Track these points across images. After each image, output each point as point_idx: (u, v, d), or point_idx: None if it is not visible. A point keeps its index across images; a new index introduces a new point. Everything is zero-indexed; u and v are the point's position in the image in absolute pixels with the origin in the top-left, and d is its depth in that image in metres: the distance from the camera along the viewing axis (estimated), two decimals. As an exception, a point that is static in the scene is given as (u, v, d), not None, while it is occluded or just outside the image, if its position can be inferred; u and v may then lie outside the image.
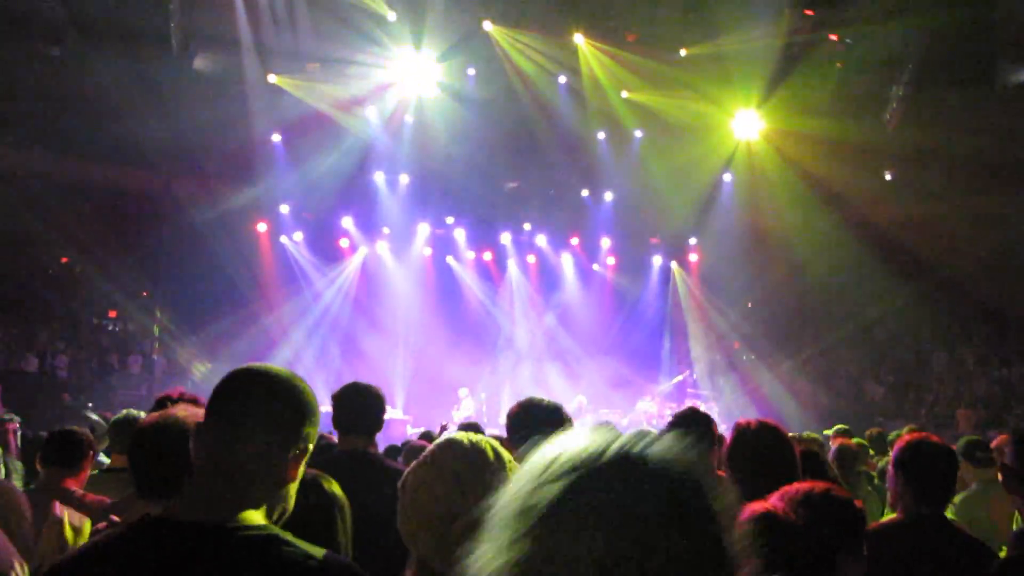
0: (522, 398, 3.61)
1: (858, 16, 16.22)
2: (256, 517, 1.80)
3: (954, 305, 20.86)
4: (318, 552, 1.80)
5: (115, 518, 2.57)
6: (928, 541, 3.18)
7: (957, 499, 5.06)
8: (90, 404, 16.14)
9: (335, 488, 2.82)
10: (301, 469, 1.93)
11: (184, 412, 2.58)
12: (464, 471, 1.95)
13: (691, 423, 4.16)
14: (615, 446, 1.00)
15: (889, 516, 3.55)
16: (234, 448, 1.81)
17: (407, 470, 2.04)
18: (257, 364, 1.99)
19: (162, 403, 3.29)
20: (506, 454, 2.07)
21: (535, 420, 3.34)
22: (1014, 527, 4.55)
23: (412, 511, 1.95)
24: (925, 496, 3.24)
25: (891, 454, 3.45)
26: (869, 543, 2.55)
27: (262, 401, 1.86)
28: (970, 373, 20.34)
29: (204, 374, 19.84)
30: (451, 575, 1.84)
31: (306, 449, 1.92)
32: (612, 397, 20.69)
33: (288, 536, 1.80)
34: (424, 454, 2.03)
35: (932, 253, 19.37)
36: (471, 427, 6.54)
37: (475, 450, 2.01)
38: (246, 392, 1.89)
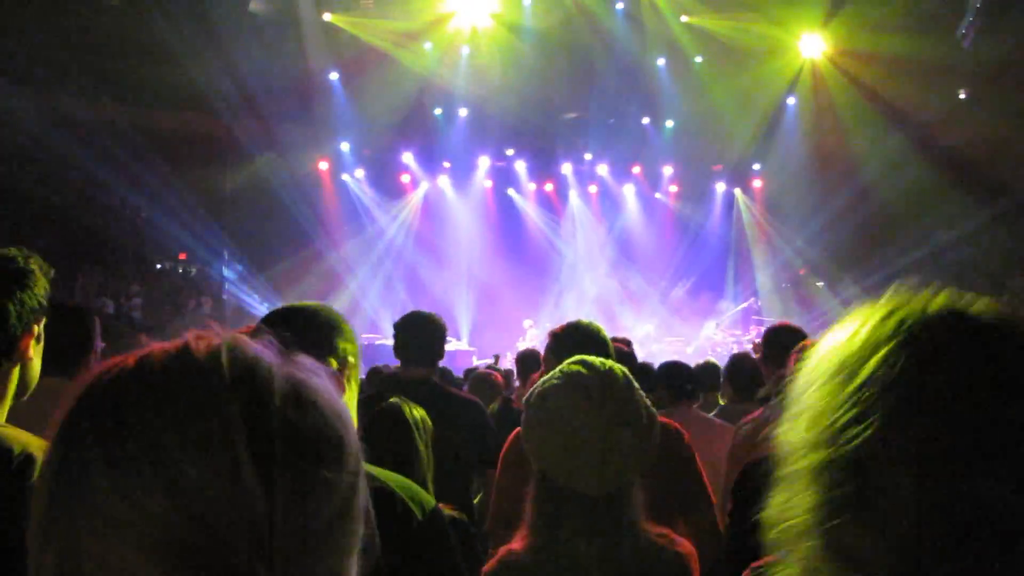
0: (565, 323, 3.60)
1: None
2: None
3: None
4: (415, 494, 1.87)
5: None
6: None
7: None
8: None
9: (417, 412, 2.91)
10: (353, 389, 2.02)
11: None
12: (594, 382, 2.00)
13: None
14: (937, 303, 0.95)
15: None
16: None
17: (534, 386, 2.09)
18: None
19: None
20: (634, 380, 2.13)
21: (580, 342, 3.36)
22: None
23: (539, 432, 1.99)
24: None
25: None
26: None
27: (279, 327, 1.94)
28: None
29: (274, 313, 20.21)
30: (581, 489, 1.94)
31: (345, 362, 1.99)
32: (677, 325, 20.68)
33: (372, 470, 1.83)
34: (556, 376, 2.07)
35: (1008, 174, 18.74)
36: (528, 356, 6.60)
37: (603, 365, 2.06)
38: (267, 324, 1.94)
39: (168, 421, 0.77)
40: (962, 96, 18.73)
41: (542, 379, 2.10)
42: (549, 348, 3.47)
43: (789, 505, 0.94)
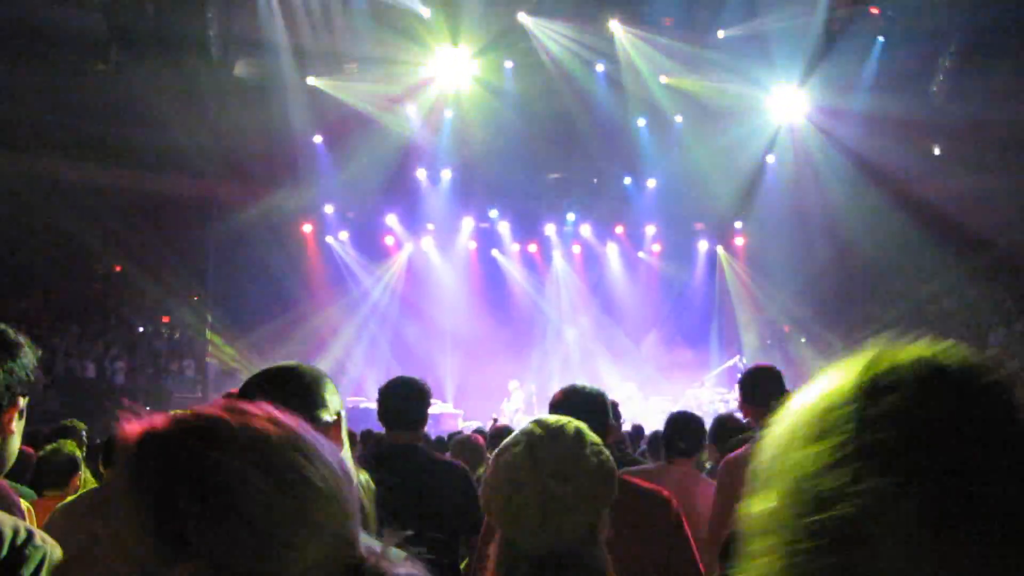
0: (565, 386, 3.63)
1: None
2: None
3: (1010, 280, 20.43)
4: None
5: None
6: None
7: None
8: (147, 408, 16.44)
9: (362, 475, 2.90)
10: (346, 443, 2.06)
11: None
12: (541, 436, 1.97)
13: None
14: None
15: None
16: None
17: (497, 450, 2.05)
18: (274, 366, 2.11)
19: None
20: (594, 436, 2.08)
21: (578, 407, 3.36)
22: None
23: (490, 483, 1.96)
24: None
25: None
26: None
27: (267, 390, 1.93)
28: (1030, 349, 19.88)
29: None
30: (522, 544, 1.89)
31: (338, 415, 2.02)
32: (662, 384, 20.60)
33: None
34: (515, 435, 2.03)
35: (985, 228, 18.97)
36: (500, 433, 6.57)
37: (559, 423, 2.02)
38: (252, 389, 1.98)
39: None
40: (937, 152, 19.04)
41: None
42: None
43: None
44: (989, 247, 19.37)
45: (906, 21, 16.63)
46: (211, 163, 19.37)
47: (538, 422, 2.03)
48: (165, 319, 22.28)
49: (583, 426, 2.07)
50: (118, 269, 21.84)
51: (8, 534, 1.77)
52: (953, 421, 0.84)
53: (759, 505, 0.90)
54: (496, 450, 2.04)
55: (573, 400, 3.40)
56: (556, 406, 3.40)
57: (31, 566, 1.77)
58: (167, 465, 0.94)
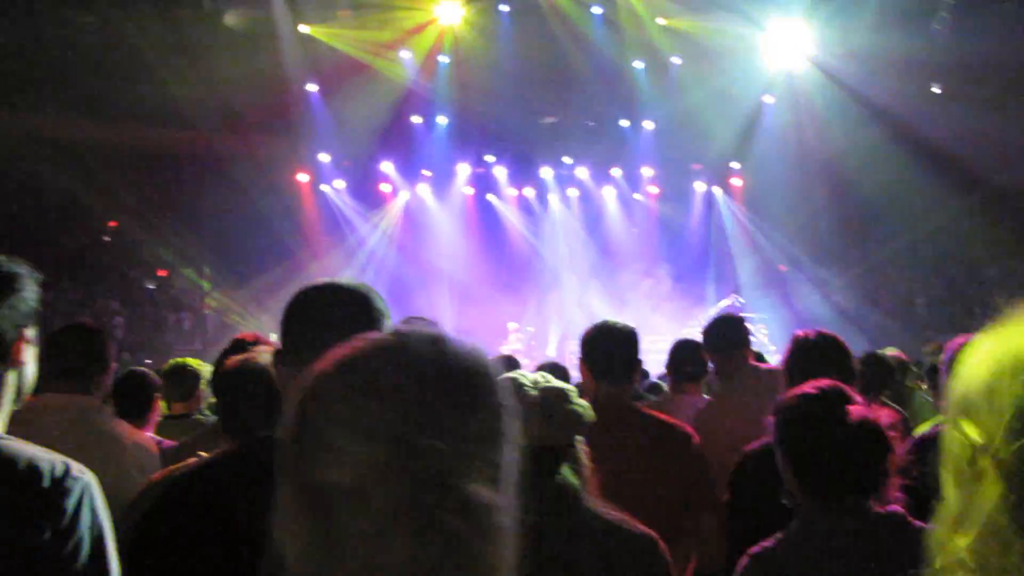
0: (596, 323, 3.66)
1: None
2: None
3: (1005, 218, 20.52)
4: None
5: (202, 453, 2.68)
6: None
7: None
8: (148, 361, 16.52)
9: None
10: None
11: (267, 354, 2.64)
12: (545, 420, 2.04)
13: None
14: None
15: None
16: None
17: None
18: (320, 280, 1.96)
19: (239, 345, 3.37)
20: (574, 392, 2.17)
21: (611, 343, 3.41)
22: None
23: None
24: None
25: (942, 357, 3.43)
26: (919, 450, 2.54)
27: (339, 309, 1.84)
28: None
29: (255, 326, 20.17)
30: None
31: None
32: (659, 324, 20.75)
33: None
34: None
35: (982, 166, 19.01)
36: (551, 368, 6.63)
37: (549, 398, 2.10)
38: (320, 305, 1.86)
39: None
40: (937, 91, 18.95)
41: None
42: (583, 351, 3.53)
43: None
44: (984, 185, 19.42)
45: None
46: (204, 115, 19.11)
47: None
48: (162, 272, 22.23)
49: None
50: (113, 224, 21.72)
51: (47, 468, 1.81)
52: None
53: (966, 434, 0.95)
54: None
55: (606, 336, 3.44)
56: (589, 342, 3.45)
57: (73, 497, 1.81)
58: None
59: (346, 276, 2.07)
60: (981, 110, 18.08)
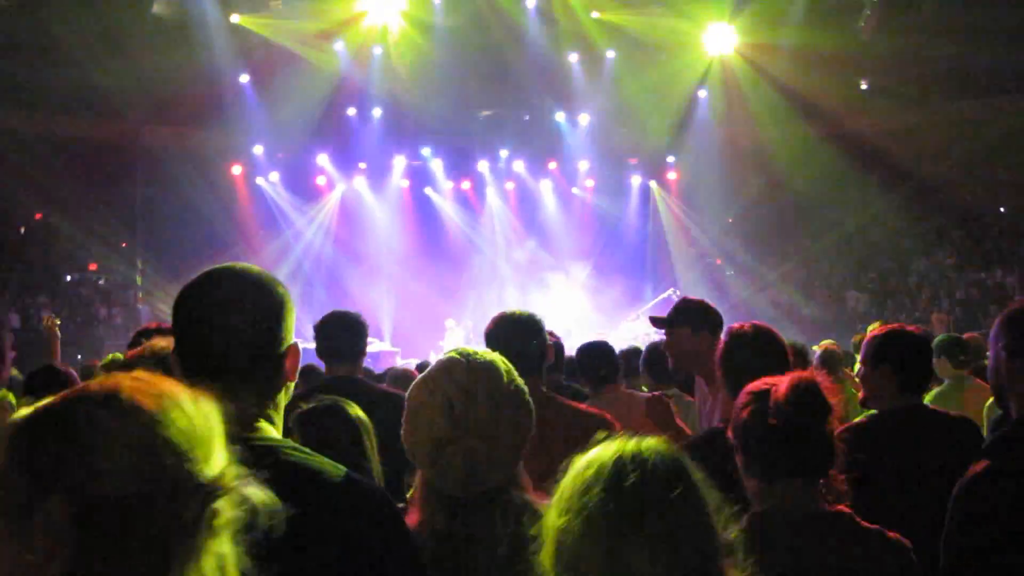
0: (498, 314, 3.56)
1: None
2: (271, 431, 1.73)
3: (932, 212, 21.01)
4: (337, 469, 1.72)
5: None
6: (919, 427, 3.21)
7: (930, 396, 5.18)
8: (79, 357, 16.18)
9: (357, 411, 2.85)
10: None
11: (162, 342, 2.55)
12: (457, 393, 1.96)
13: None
14: None
15: (866, 414, 3.55)
16: (220, 355, 1.69)
17: (409, 390, 2.05)
18: (217, 266, 1.83)
19: (138, 339, 3.26)
20: (512, 371, 2.10)
21: (511, 332, 3.36)
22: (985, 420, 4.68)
23: (409, 430, 1.98)
24: (909, 384, 3.26)
25: (864, 348, 3.46)
26: (856, 439, 2.57)
27: (237, 299, 1.73)
28: (949, 278, 20.55)
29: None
30: (448, 491, 1.93)
31: (297, 347, 1.82)
32: (598, 318, 20.84)
33: (307, 451, 1.73)
34: (424, 373, 2.04)
35: (909, 161, 19.42)
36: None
37: (472, 371, 2.01)
38: (216, 294, 1.75)
39: None
40: (864, 86, 19.33)
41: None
42: (486, 344, 3.45)
43: None
44: (912, 179, 19.85)
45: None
46: (134, 105, 18.79)
47: (450, 372, 2.00)
48: (92, 267, 21.76)
49: (498, 365, 2.07)
50: (38, 217, 21.21)
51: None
52: None
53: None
54: (409, 393, 2.03)
55: (505, 327, 3.40)
56: (490, 335, 3.40)
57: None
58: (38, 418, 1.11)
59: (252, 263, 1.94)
60: (906, 105, 18.49)
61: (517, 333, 3.35)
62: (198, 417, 1.14)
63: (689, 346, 3.96)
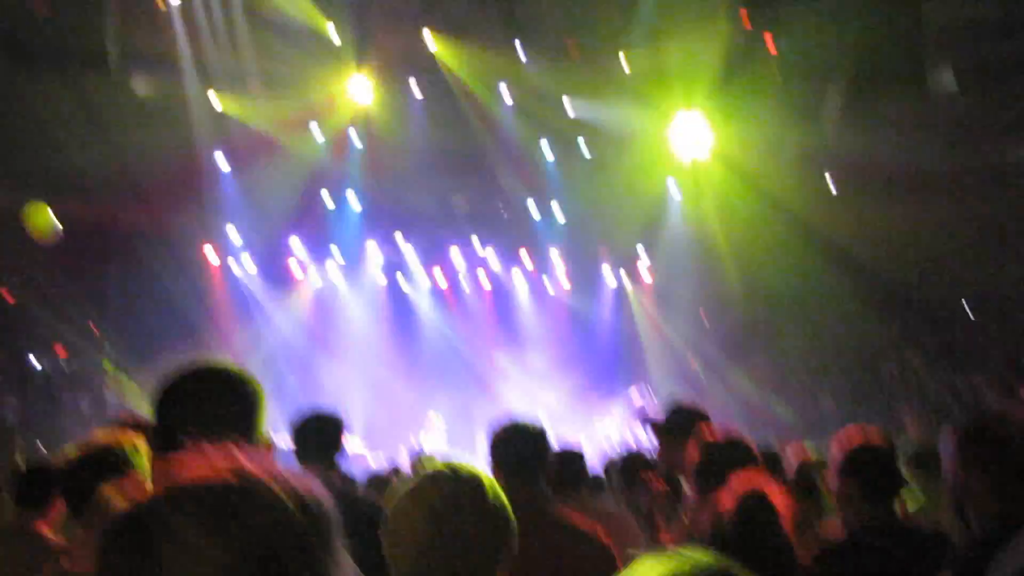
0: (505, 422, 3.58)
1: (791, 23, 16.55)
2: None
3: (902, 312, 21.15)
4: None
5: None
6: (893, 545, 3.18)
7: (912, 505, 5.07)
8: (41, 447, 15.86)
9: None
10: None
11: (105, 436, 2.59)
12: (442, 505, 2.00)
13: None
14: None
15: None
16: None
17: (394, 497, 2.09)
18: (196, 361, 1.93)
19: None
20: (495, 487, 2.14)
21: (519, 443, 3.36)
22: None
23: (392, 539, 2.01)
24: (876, 496, 3.28)
25: (831, 459, 3.45)
26: (824, 566, 2.65)
27: (214, 395, 1.85)
28: (920, 379, 20.54)
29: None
30: None
31: (271, 443, 1.92)
32: (569, 415, 20.66)
33: None
34: (409, 484, 2.09)
35: (876, 260, 19.67)
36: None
37: (458, 485, 2.06)
38: (195, 390, 1.86)
39: None
40: (831, 184, 19.70)
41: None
42: (492, 454, 3.47)
43: None
44: (880, 279, 20.07)
45: (800, 56, 17.24)
46: (109, 185, 18.86)
47: (437, 483, 2.06)
48: (61, 351, 21.48)
49: (483, 480, 2.11)
50: (7, 296, 21.04)
51: None
52: None
53: None
54: (394, 501, 2.07)
55: (515, 436, 3.38)
56: (499, 446, 3.36)
57: None
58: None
59: (227, 359, 2.04)
60: (870, 205, 18.82)
61: (524, 444, 3.36)
62: None
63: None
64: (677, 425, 4.08)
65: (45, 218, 16.47)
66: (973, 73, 16.75)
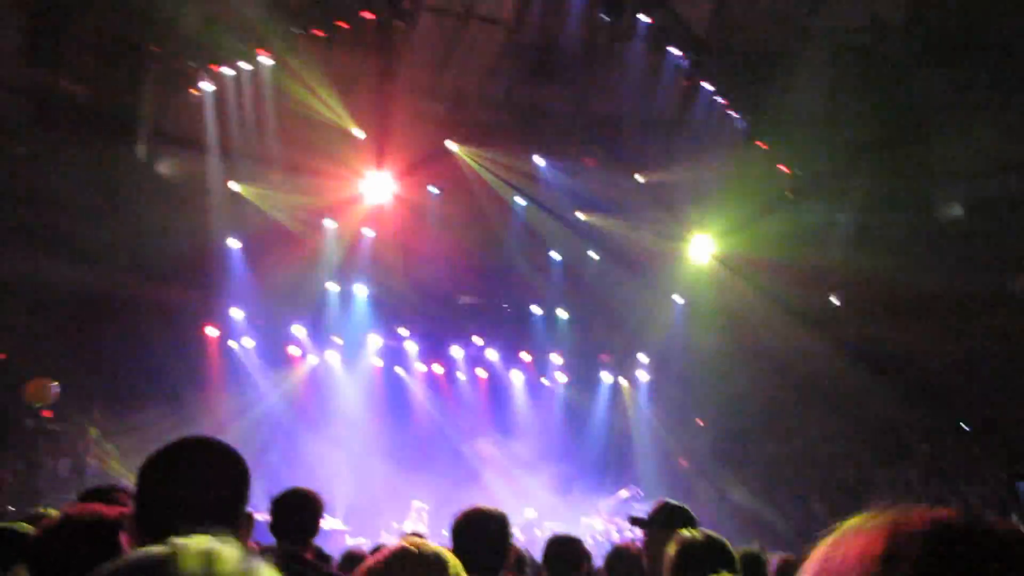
0: (467, 509, 3.61)
1: (804, 149, 17.03)
2: None
3: (896, 425, 21.38)
4: None
5: None
6: None
7: None
8: (11, 508, 15.58)
9: None
10: None
11: (81, 509, 2.46)
12: None
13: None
14: None
15: None
16: (180, 522, 1.75)
17: (359, 572, 2.10)
18: (185, 436, 1.90)
19: (88, 498, 3.17)
20: (457, 564, 2.14)
21: (478, 529, 3.38)
22: None
23: None
24: None
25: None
26: None
27: (202, 470, 1.81)
28: (915, 492, 20.65)
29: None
30: None
31: (251, 516, 1.88)
32: (560, 511, 20.56)
33: None
34: (377, 560, 2.09)
35: (870, 378, 19.96)
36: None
37: (422, 563, 2.06)
38: (184, 464, 1.81)
39: None
40: (835, 302, 20.03)
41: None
42: (453, 537, 3.49)
43: None
44: (878, 393, 20.38)
45: (810, 179, 17.72)
46: (117, 257, 18.88)
47: (402, 561, 2.07)
48: (47, 413, 21.16)
49: (446, 560, 2.12)
50: (1, 357, 20.81)
51: None
52: None
53: None
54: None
55: (475, 524, 3.42)
56: (458, 529, 3.41)
57: None
58: None
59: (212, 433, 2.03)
60: (873, 323, 19.12)
61: (483, 530, 3.38)
62: None
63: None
64: (661, 520, 4.09)
65: (44, 393, 16.57)
66: (980, 206, 17.29)
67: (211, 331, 21.14)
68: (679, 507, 4.37)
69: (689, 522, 4.15)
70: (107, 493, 3.13)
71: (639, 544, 8.12)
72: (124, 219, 17.45)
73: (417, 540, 2.16)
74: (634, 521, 4.57)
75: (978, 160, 17.06)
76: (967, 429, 20.76)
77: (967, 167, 17.30)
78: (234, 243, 19.37)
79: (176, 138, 17.19)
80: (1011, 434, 19.91)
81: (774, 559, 6.87)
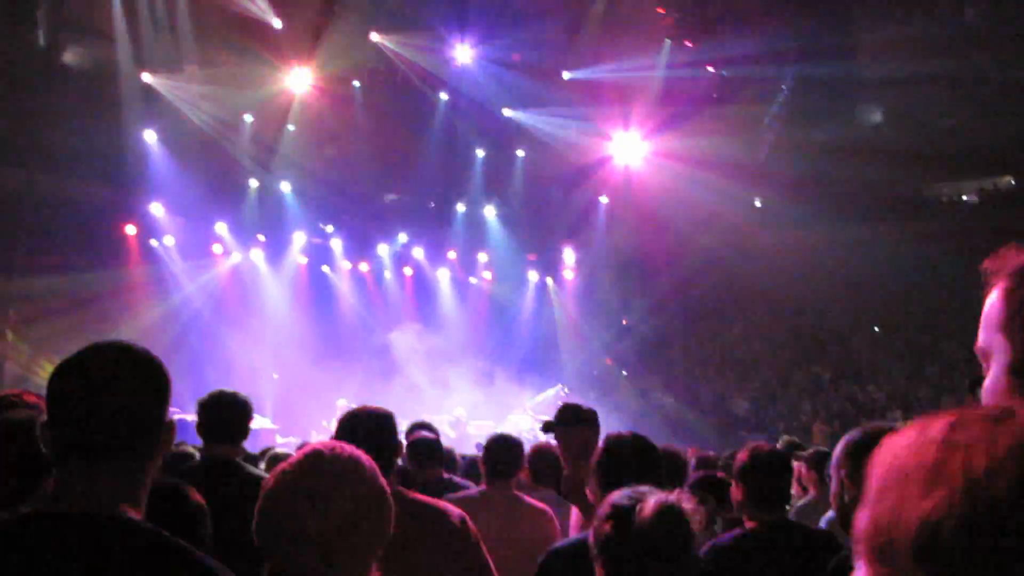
0: (355, 407, 3.48)
1: (732, 52, 16.95)
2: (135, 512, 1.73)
3: (813, 327, 21.91)
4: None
5: None
6: (779, 543, 3.43)
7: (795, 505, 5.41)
8: None
9: (196, 497, 2.78)
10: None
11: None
12: (321, 488, 1.93)
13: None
14: None
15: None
16: (94, 433, 1.69)
17: (268, 477, 2.02)
18: (97, 342, 1.80)
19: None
20: (373, 466, 2.07)
21: (361, 430, 3.37)
22: None
23: (265, 519, 1.93)
24: (767, 500, 3.50)
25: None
26: (719, 558, 2.76)
27: (116, 377, 1.73)
28: (825, 390, 21.36)
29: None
30: None
31: (172, 425, 1.82)
32: (486, 409, 20.83)
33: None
34: (291, 462, 2.01)
35: (795, 277, 20.36)
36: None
37: (338, 466, 1.99)
38: (96, 371, 1.74)
39: None
40: (758, 204, 20.27)
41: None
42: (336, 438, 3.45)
43: None
44: (795, 294, 20.82)
45: (737, 79, 17.68)
46: (29, 152, 18.16)
47: (316, 465, 1.99)
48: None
49: (363, 463, 2.05)
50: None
51: None
52: None
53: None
54: (269, 482, 2.00)
55: (360, 423, 3.40)
56: (343, 429, 3.39)
57: None
58: None
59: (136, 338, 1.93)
60: (795, 225, 19.43)
61: (372, 430, 3.36)
62: None
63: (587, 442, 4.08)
64: (567, 419, 4.22)
65: None
66: (900, 112, 17.50)
67: (130, 229, 20.62)
68: (584, 408, 4.42)
69: (593, 420, 4.20)
70: (13, 400, 3.00)
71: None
72: (29, 111, 16.68)
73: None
74: (545, 427, 4.60)
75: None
76: (875, 330, 21.42)
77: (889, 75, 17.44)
78: (151, 136, 18.71)
79: (81, 25, 16.36)
80: (916, 335, 20.63)
81: (692, 454, 7.10)
